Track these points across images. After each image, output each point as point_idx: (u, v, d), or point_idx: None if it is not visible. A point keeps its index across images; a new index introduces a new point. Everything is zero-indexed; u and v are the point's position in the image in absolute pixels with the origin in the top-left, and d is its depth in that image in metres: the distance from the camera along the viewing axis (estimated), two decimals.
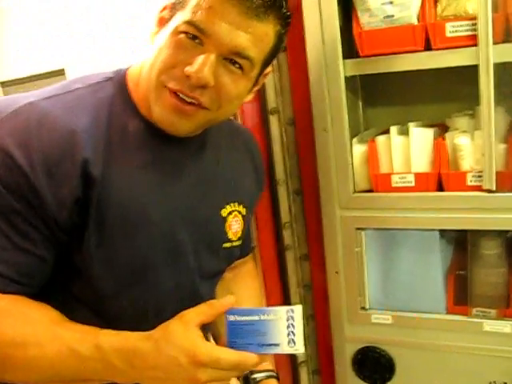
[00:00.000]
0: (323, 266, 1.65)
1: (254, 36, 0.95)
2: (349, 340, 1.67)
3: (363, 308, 1.64)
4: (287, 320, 0.94)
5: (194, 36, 0.94)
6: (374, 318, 1.62)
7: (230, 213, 1.17)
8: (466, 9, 1.38)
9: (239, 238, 1.20)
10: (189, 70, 0.93)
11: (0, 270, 0.91)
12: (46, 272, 0.98)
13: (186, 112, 0.98)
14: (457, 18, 1.38)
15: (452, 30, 1.38)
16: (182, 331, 0.92)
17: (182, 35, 0.94)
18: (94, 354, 0.90)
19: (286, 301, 1.71)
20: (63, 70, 5.30)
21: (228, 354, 0.91)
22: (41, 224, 0.93)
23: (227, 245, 1.17)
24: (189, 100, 0.97)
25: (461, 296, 1.56)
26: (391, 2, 1.41)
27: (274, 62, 1.55)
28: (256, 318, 0.95)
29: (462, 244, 1.55)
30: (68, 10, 4.84)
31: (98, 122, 0.98)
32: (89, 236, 0.97)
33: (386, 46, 1.43)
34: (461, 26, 1.37)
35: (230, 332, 0.96)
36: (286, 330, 0.94)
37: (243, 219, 1.20)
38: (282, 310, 0.95)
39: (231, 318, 0.96)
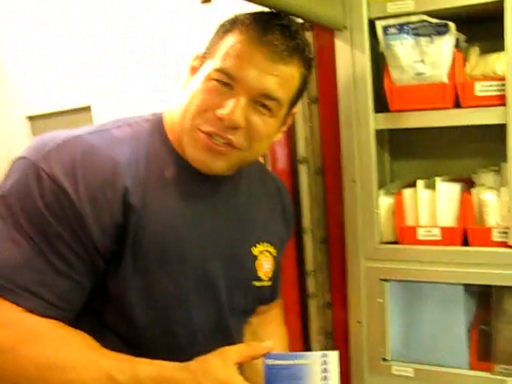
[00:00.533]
0: (346, 316, 1.66)
1: (281, 78, 1.03)
2: None
3: (384, 359, 1.63)
4: (322, 365, 0.99)
5: (225, 82, 1.02)
6: (394, 370, 1.61)
7: (261, 252, 1.20)
8: (494, 69, 1.42)
9: (269, 279, 1.22)
10: (221, 112, 1.01)
11: (41, 294, 0.93)
12: (83, 298, 1.01)
13: (219, 151, 1.04)
14: (485, 77, 1.42)
15: (481, 89, 1.41)
16: (221, 366, 0.95)
17: (214, 82, 1.03)
18: (130, 381, 0.93)
19: (307, 348, 1.71)
20: (89, 106, 5.42)
21: None
22: (82, 250, 0.97)
23: (257, 283, 1.20)
24: (222, 141, 1.04)
25: (484, 352, 1.55)
26: (422, 60, 1.45)
27: (306, 112, 1.60)
28: (292, 362, 0.99)
29: (485, 298, 1.55)
30: (96, 49, 4.96)
31: (138, 155, 1.05)
32: (125, 263, 1.00)
33: (416, 102, 1.47)
34: (490, 85, 1.41)
35: (269, 375, 0.99)
36: (321, 374, 0.99)
37: (274, 260, 1.23)
38: (317, 355, 1.00)
39: (269, 361, 1.00)
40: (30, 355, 0.90)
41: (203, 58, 1.08)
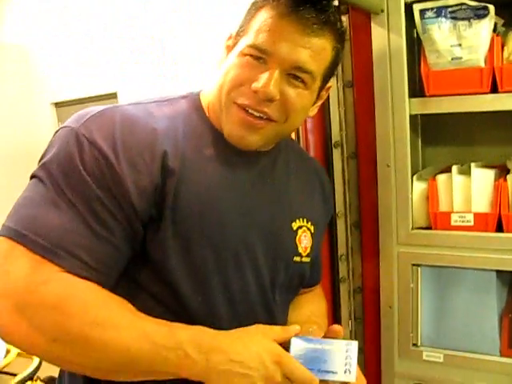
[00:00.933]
0: (377, 300, 1.66)
1: (313, 51, 1.04)
2: (399, 376, 1.66)
3: (415, 344, 1.63)
4: (346, 351, 1.04)
5: (258, 57, 1.03)
6: (425, 356, 1.61)
7: (299, 227, 1.21)
8: None
9: (308, 255, 1.22)
10: (256, 85, 1.02)
11: (80, 255, 0.94)
12: (122, 263, 1.01)
13: (255, 125, 1.06)
14: None
15: None
16: (263, 336, 1.00)
17: (247, 57, 1.04)
18: (169, 342, 0.93)
19: None
20: (115, 93, 5.45)
21: (303, 370, 0.99)
22: (121, 214, 0.97)
23: (297, 259, 1.20)
24: (257, 114, 1.05)
25: None
26: (460, 45, 1.44)
27: (341, 96, 1.60)
28: (319, 346, 1.04)
29: None
30: (125, 37, 4.99)
31: (176, 126, 1.06)
32: (165, 227, 1.01)
33: (453, 86, 1.46)
34: None
35: (295, 356, 1.01)
36: (344, 360, 1.03)
37: (312, 237, 1.23)
38: (342, 343, 1.05)
39: (297, 342, 1.03)
40: (71, 312, 0.91)
41: (237, 36, 1.10)
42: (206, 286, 1.06)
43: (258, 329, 1.02)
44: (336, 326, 1.13)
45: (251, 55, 1.04)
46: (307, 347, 1.03)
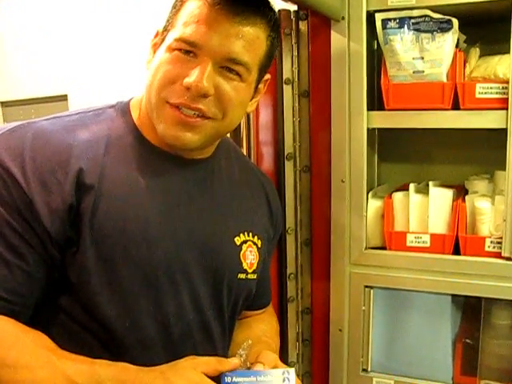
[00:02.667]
0: (326, 322, 1.59)
1: (245, 41, 0.97)
2: None
3: (365, 370, 1.57)
4: (283, 381, 0.98)
5: (188, 51, 0.96)
6: (375, 382, 1.55)
7: (244, 242, 1.14)
8: (496, 72, 1.37)
9: (254, 272, 1.15)
10: (188, 81, 0.95)
11: None
12: (38, 290, 0.95)
13: (190, 123, 0.98)
14: (485, 80, 1.36)
15: (482, 91, 1.36)
16: (192, 369, 0.93)
17: (176, 52, 0.97)
18: (90, 382, 0.88)
19: (284, 354, 1.63)
20: (66, 95, 5.28)
21: None
22: (33, 238, 0.91)
23: (242, 276, 1.13)
24: (192, 113, 0.98)
25: (469, 366, 1.49)
26: (422, 58, 1.39)
27: (296, 106, 1.53)
28: (253, 379, 0.97)
29: (472, 310, 1.50)
30: (74, 37, 4.85)
31: (97, 138, 1.00)
32: (85, 248, 0.94)
33: (413, 101, 1.41)
34: (491, 88, 1.35)
35: None
36: None
37: (258, 251, 1.16)
38: (278, 372, 0.98)
39: (228, 379, 0.97)
40: None
41: (164, 31, 1.02)
42: (133, 309, 0.99)
43: (188, 362, 0.96)
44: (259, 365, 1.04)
45: (180, 49, 0.96)
46: (240, 381, 0.96)
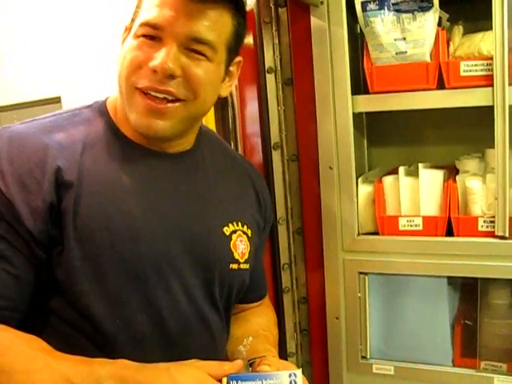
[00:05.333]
0: (323, 311, 1.57)
1: (208, 20, 0.97)
2: None
3: (364, 357, 1.56)
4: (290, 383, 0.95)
5: (152, 36, 0.97)
6: (375, 368, 1.54)
7: (233, 231, 1.13)
8: (479, 49, 1.34)
9: (246, 261, 1.14)
10: (153, 63, 0.95)
11: None
12: (27, 293, 0.94)
13: (161, 110, 0.98)
14: (469, 58, 1.34)
15: (466, 69, 1.34)
16: (196, 368, 0.92)
17: (141, 38, 0.98)
18: (89, 381, 0.85)
19: (283, 346, 1.61)
20: (59, 97, 5.26)
21: None
22: (17, 240, 0.91)
23: (234, 266, 1.12)
24: (161, 96, 0.97)
25: (469, 348, 1.48)
26: (404, 38, 1.37)
27: (280, 94, 1.51)
28: (259, 382, 0.94)
29: (469, 292, 1.49)
30: (68, 38, 4.82)
31: (74, 137, 1.00)
32: (70, 248, 0.93)
33: (398, 83, 1.39)
34: (475, 65, 1.34)
35: None
36: None
37: (249, 241, 1.15)
38: (284, 375, 0.95)
39: (233, 383, 0.94)
40: None
41: (131, 22, 1.02)
42: (124, 307, 0.98)
43: (193, 363, 0.94)
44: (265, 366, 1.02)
45: (145, 35, 0.97)
46: None
